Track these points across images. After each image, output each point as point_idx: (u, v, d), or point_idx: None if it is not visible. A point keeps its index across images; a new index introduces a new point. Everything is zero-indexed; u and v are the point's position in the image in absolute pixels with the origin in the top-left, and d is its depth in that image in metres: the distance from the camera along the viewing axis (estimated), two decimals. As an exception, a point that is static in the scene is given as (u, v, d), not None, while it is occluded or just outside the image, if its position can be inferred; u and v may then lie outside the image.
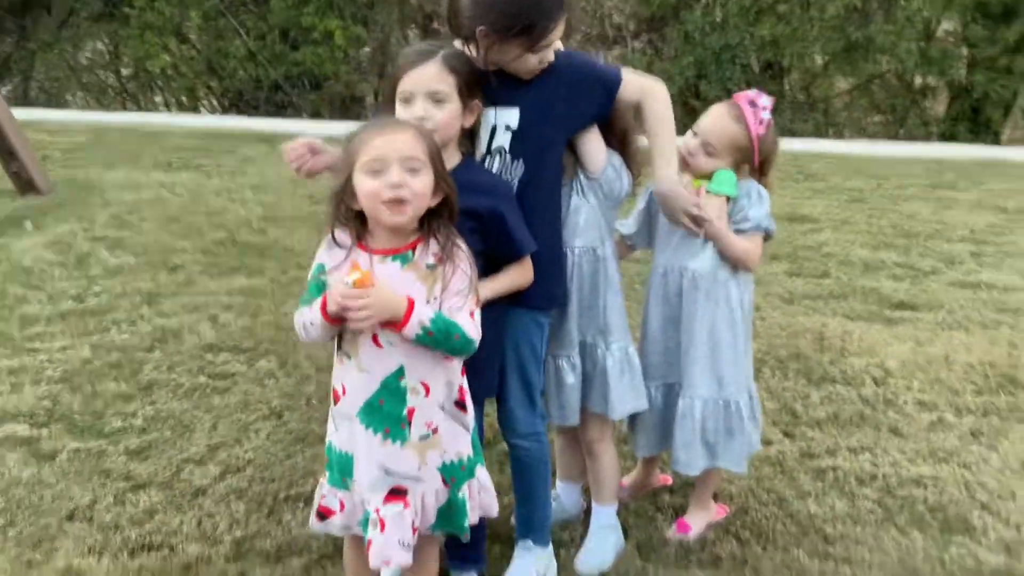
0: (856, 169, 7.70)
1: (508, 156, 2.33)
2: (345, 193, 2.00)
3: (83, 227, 5.81)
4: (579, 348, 2.55)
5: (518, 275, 2.28)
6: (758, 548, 2.71)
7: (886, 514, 2.89)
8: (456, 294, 2.00)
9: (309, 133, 2.41)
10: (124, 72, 13.80)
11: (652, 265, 2.72)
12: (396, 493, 2.04)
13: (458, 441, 2.10)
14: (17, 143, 6.31)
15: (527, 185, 2.33)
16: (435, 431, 2.05)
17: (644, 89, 2.39)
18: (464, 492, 2.13)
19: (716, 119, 2.53)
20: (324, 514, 2.14)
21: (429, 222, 2.02)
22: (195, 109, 13.06)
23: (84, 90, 13.77)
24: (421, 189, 1.95)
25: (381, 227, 2.01)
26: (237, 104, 12.43)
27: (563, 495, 2.91)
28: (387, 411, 2.01)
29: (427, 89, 2.14)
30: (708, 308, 2.58)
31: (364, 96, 12.53)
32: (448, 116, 2.16)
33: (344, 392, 2.05)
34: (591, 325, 2.54)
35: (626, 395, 2.59)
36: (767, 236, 2.59)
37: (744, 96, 2.51)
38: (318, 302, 1.96)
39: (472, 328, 2.00)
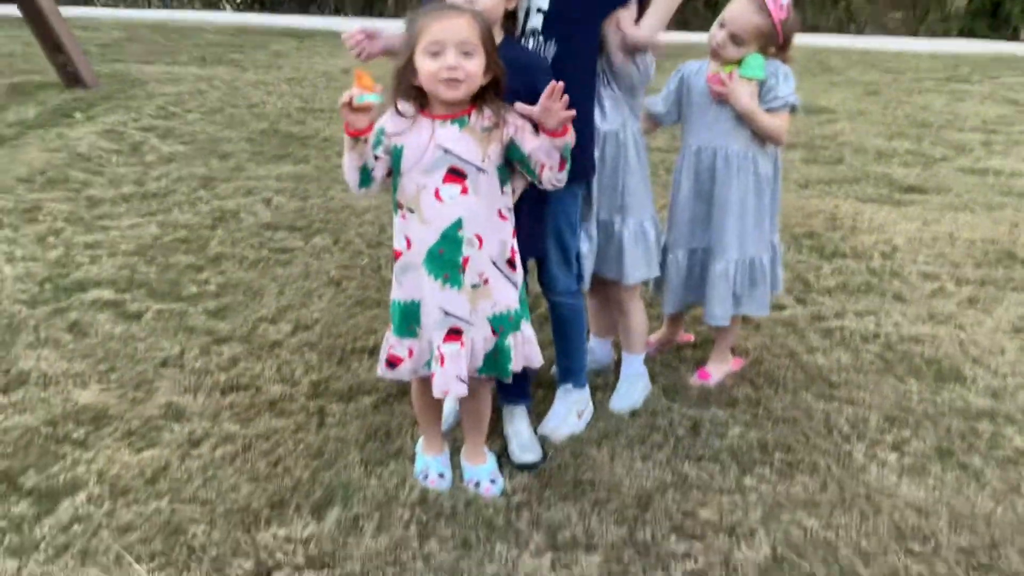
0: (873, 63, 7.86)
1: (541, 37, 2.57)
2: (407, 70, 2.25)
3: (132, 117, 6.10)
4: (597, 223, 2.85)
5: None
6: (770, 392, 3.08)
7: (886, 365, 3.24)
8: (531, 134, 2.29)
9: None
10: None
11: (683, 143, 3.00)
12: (453, 333, 2.36)
13: (507, 295, 2.40)
14: (65, 38, 6.55)
15: (560, 64, 2.55)
16: (486, 282, 2.34)
17: None
18: (510, 341, 2.42)
19: (741, 11, 2.75)
20: (393, 362, 2.45)
21: (481, 94, 2.28)
22: (217, 5, 13.14)
23: (108, -13, 13.82)
24: (474, 70, 2.21)
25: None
26: (261, 1, 12.50)
27: (596, 348, 3.27)
28: (446, 258, 2.30)
29: None
30: (740, 181, 2.88)
31: (386, -7, 12.54)
32: None
33: (409, 245, 2.35)
34: (610, 203, 2.84)
35: (639, 264, 2.91)
36: (793, 110, 2.86)
37: None
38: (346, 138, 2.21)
39: None
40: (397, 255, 2.38)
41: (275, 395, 3.01)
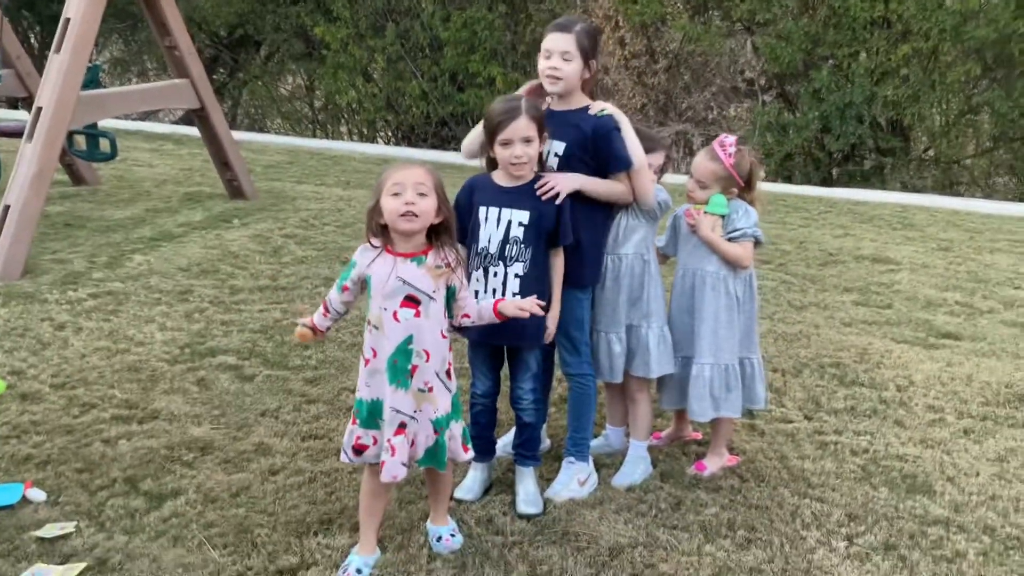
0: (959, 223, 8.22)
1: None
2: (375, 212, 2.78)
3: (278, 226, 7.22)
4: (626, 328, 3.52)
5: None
6: (753, 484, 3.58)
7: (865, 475, 3.68)
8: (466, 289, 2.94)
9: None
10: (316, 104, 15.75)
11: (676, 268, 3.67)
12: (401, 427, 2.83)
13: (445, 401, 2.89)
14: (233, 157, 7.82)
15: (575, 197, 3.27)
16: (430, 389, 2.84)
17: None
18: (446, 438, 2.90)
19: (700, 161, 3.48)
20: (360, 449, 2.89)
21: (437, 236, 2.82)
22: (373, 139, 14.76)
23: (282, 118, 15.79)
24: (426, 207, 2.73)
25: (400, 235, 2.78)
26: (408, 136, 14.05)
27: (611, 435, 3.86)
28: (399, 367, 2.79)
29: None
30: (713, 298, 3.50)
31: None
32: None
33: (375, 355, 2.83)
34: (637, 312, 3.52)
35: (661, 361, 3.56)
36: (757, 242, 3.50)
37: (717, 140, 3.47)
38: (319, 311, 2.94)
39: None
40: (366, 362, 2.87)
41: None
